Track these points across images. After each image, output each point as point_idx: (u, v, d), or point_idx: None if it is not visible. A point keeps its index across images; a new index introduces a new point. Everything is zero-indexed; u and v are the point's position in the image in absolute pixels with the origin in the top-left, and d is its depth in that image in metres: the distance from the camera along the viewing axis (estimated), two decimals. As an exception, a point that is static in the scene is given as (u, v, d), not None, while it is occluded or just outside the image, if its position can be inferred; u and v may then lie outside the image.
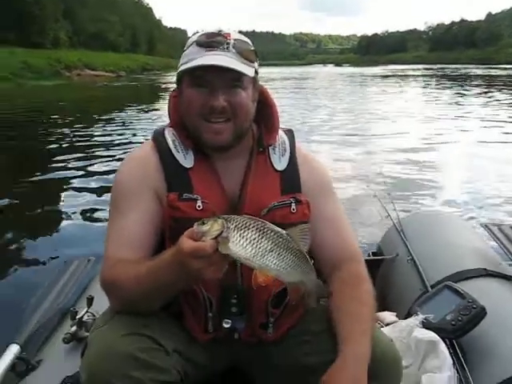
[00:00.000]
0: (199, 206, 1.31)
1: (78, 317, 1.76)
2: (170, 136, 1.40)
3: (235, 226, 1.06)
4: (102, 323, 1.28)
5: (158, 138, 1.41)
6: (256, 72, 1.35)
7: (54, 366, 1.62)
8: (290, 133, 1.50)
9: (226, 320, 1.39)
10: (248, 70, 1.29)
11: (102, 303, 1.37)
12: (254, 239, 1.06)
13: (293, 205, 1.37)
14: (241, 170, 1.40)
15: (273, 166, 1.41)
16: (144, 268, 1.21)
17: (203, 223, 1.06)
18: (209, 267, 1.06)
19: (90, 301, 1.79)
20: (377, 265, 2.53)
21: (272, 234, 1.08)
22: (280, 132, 1.47)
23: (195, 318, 1.40)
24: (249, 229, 1.07)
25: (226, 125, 1.31)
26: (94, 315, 1.76)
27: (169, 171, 1.36)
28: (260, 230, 1.07)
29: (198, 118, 1.31)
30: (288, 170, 1.42)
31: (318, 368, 1.33)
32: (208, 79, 1.28)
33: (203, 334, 1.41)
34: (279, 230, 1.10)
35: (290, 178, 1.42)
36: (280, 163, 1.42)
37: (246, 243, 1.06)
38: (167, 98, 1.46)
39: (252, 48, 1.34)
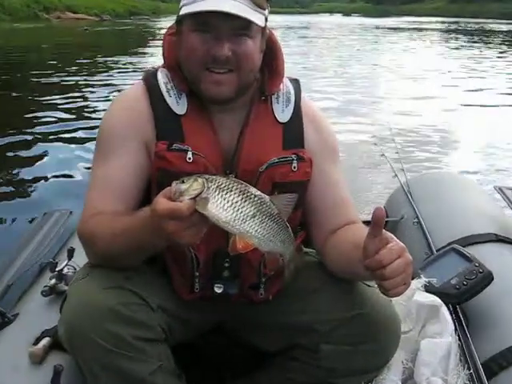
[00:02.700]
0: (189, 158, 1.28)
1: (57, 269, 1.77)
2: (162, 78, 1.37)
3: (217, 187, 1.05)
4: (82, 276, 1.30)
5: (150, 79, 1.38)
6: (266, 20, 1.31)
7: (31, 319, 1.64)
8: (296, 83, 1.46)
9: (218, 285, 1.39)
10: (258, 19, 1.25)
11: (83, 255, 1.38)
12: (236, 202, 1.06)
13: (294, 162, 1.35)
14: (240, 123, 1.37)
15: (275, 117, 1.38)
16: (120, 224, 1.21)
17: (183, 182, 1.05)
18: (185, 230, 1.04)
19: (71, 252, 1.80)
20: None
21: (255, 198, 1.08)
22: (285, 81, 1.43)
23: (181, 275, 1.40)
24: (231, 191, 1.06)
25: (228, 76, 1.27)
26: (74, 268, 1.77)
27: (159, 117, 1.33)
28: (243, 193, 1.07)
29: (198, 66, 1.27)
30: (291, 122, 1.39)
31: (309, 327, 1.40)
32: (213, 25, 1.23)
33: (189, 294, 1.41)
34: (263, 195, 1.09)
35: (293, 132, 1.39)
36: (283, 114, 1.39)
37: (226, 205, 1.05)
38: (156, 45, 1.45)
39: None
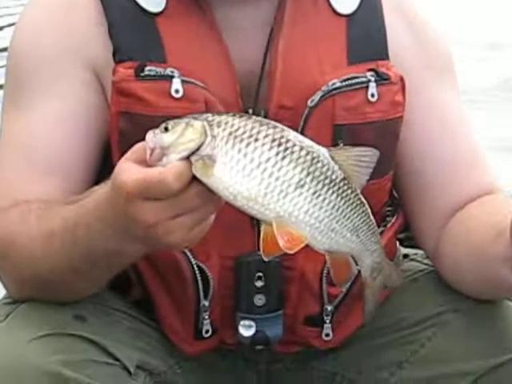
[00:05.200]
0: (177, 91, 1.02)
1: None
2: None
3: (229, 134, 0.81)
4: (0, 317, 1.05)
5: None
6: None
7: None
8: None
9: (246, 322, 1.10)
10: None
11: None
12: (268, 161, 0.80)
13: (372, 85, 1.06)
14: (267, 22, 1.08)
15: (330, 4, 1.09)
16: (59, 220, 0.96)
17: (166, 129, 0.83)
18: (175, 220, 0.79)
19: None
20: None
21: (302, 153, 0.82)
22: None
23: (176, 309, 1.12)
24: (257, 140, 0.81)
25: None
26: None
27: (115, 20, 1.05)
28: (279, 144, 0.81)
29: None
30: (362, 13, 1.10)
31: None
32: None
33: (193, 342, 1.11)
34: (316, 146, 0.84)
35: (367, 31, 1.11)
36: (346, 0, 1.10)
37: (249, 167, 0.81)
38: None
39: None
